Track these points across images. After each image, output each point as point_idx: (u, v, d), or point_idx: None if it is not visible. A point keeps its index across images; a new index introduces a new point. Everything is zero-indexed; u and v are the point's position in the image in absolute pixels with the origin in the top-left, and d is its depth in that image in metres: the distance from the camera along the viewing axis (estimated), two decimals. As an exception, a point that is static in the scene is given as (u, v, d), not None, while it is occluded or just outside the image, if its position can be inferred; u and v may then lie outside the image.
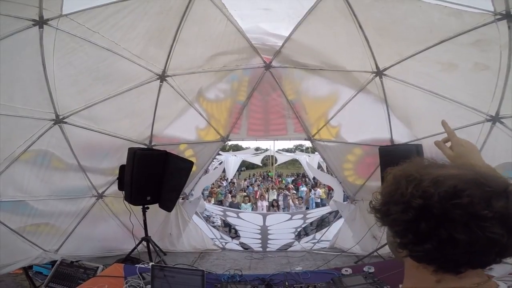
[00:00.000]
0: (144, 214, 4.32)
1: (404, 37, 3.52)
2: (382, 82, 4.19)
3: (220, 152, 11.04)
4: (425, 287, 0.68)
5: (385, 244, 4.35)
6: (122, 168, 4.32)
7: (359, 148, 5.06)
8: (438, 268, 0.65)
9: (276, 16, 3.99)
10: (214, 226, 7.24)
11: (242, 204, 9.49)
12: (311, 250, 5.52)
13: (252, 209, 9.54)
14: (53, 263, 3.66)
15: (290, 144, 31.61)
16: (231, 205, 9.51)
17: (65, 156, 4.14)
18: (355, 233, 5.11)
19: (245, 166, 27.70)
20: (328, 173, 7.75)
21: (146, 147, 4.81)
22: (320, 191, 11.24)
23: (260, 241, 6.36)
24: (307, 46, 4.22)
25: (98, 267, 3.22)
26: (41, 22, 3.13)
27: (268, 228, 7.31)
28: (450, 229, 0.60)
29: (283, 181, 19.23)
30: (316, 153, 11.20)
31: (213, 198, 10.71)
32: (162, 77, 4.34)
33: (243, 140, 6.08)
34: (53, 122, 3.84)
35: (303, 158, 18.69)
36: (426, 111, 4.01)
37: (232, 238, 6.78)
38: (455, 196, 0.61)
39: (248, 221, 7.76)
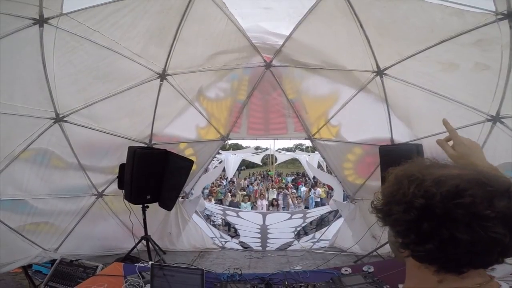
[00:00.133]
0: (144, 213, 4.32)
1: (405, 37, 3.52)
2: (382, 81, 4.19)
3: (220, 151, 11.04)
4: (427, 287, 0.68)
5: (384, 244, 4.36)
6: (122, 167, 4.32)
7: (359, 147, 5.06)
8: (440, 268, 0.64)
9: (276, 15, 3.98)
10: (214, 225, 7.25)
11: (242, 203, 9.51)
12: (310, 249, 5.52)
13: (252, 208, 9.55)
14: (52, 262, 3.67)
15: (290, 143, 31.67)
16: (231, 204, 9.52)
17: (65, 155, 4.14)
18: (354, 233, 5.11)
19: (245, 165, 27.70)
20: (328, 173, 7.75)
21: (146, 146, 4.80)
22: (319, 190, 11.25)
23: (259, 240, 6.36)
24: (308, 45, 4.22)
25: (97, 266, 3.22)
26: (41, 21, 3.12)
27: (268, 227, 7.31)
28: (452, 229, 0.60)
29: (283, 180, 19.25)
30: (316, 152, 11.21)
31: (213, 198, 10.72)
32: (163, 76, 4.33)
33: (243, 139, 6.08)
34: (53, 120, 3.84)
35: (303, 157, 18.68)
36: (427, 111, 4.01)
37: (232, 237, 6.77)
38: (457, 195, 0.61)
39: (247, 220, 7.76)
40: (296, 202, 10.00)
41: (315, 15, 3.73)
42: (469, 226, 0.59)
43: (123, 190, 4.26)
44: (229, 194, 10.79)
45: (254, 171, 26.78)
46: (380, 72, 4.10)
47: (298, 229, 7.19)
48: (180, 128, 5.14)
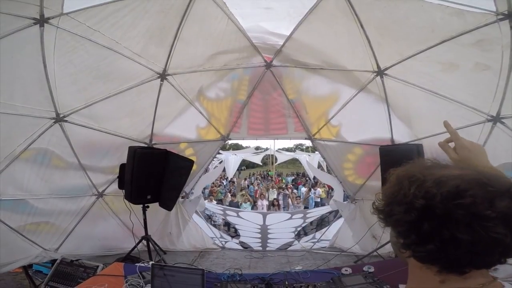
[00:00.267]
0: (144, 213, 4.32)
1: (405, 37, 3.51)
2: (383, 81, 4.19)
3: (220, 151, 11.03)
4: (429, 287, 0.68)
5: (384, 244, 4.36)
6: (122, 166, 4.32)
7: (359, 147, 5.06)
8: (441, 268, 0.64)
9: (277, 15, 3.98)
10: (215, 225, 7.25)
11: (242, 204, 9.51)
12: (311, 249, 5.52)
13: (252, 208, 9.55)
14: (53, 262, 3.67)
15: (290, 143, 31.67)
16: (231, 204, 9.52)
17: (65, 155, 4.14)
18: (355, 233, 5.11)
19: (245, 165, 27.69)
20: (328, 173, 7.75)
21: (146, 145, 4.81)
22: (319, 191, 11.25)
23: (260, 240, 6.36)
24: (308, 45, 4.22)
25: (98, 266, 3.22)
26: (41, 21, 3.13)
27: (268, 227, 7.31)
28: (452, 229, 0.60)
29: (283, 180, 19.25)
30: (316, 152, 11.19)
31: (213, 198, 10.72)
32: (163, 76, 4.33)
33: (243, 139, 6.09)
34: (53, 120, 3.84)
35: (303, 157, 18.66)
36: (427, 111, 4.01)
37: (232, 237, 6.78)
38: (457, 196, 0.61)
39: (248, 220, 7.77)
40: (295, 202, 10.00)
41: (315, 15, 3.73)
42: (469, 227, 0.59)
43: (124, 190, 4.26)
44: (229, 194, 10.79)
45: (254, 171, 26.77)
46: (380, 72, 4.10)
47: (299, 229, 7.20)
48: (181, 128, 5.14)
